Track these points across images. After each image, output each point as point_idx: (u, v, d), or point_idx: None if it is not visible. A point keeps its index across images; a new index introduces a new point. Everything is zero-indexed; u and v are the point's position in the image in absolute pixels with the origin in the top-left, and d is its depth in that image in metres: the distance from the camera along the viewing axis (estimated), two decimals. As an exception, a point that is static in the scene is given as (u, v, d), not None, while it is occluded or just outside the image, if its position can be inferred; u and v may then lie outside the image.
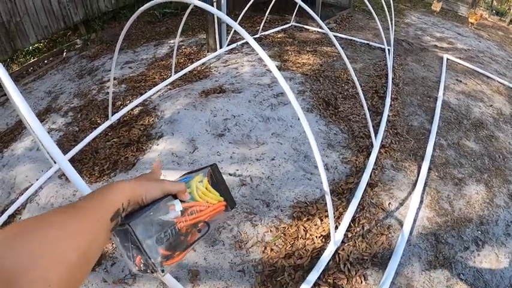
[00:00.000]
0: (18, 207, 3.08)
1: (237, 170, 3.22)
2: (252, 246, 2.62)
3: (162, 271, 0.62)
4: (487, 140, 4.11)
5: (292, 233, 2.71)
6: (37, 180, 3.28)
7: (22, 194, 3.17)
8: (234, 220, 2.78)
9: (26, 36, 5.87)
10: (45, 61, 6.40)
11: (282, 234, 2.70)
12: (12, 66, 6.51)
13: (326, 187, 2.22)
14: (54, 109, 4.58)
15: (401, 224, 2.88)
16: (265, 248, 2.61)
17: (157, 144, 3.53)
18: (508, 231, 3.05)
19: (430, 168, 3.48)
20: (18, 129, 4.25)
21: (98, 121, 4.11)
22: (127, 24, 3.05)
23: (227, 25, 5.59)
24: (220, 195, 0.77)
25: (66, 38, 7.37)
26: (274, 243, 2.64)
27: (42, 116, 4.45)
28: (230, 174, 3.17)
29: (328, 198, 2.25)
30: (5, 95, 5.01)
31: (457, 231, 2.94)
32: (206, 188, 0.75)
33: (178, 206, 0.68)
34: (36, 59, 6.48)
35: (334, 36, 6.38)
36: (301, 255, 2.56)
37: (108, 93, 4.55)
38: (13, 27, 5.58)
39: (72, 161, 3.47)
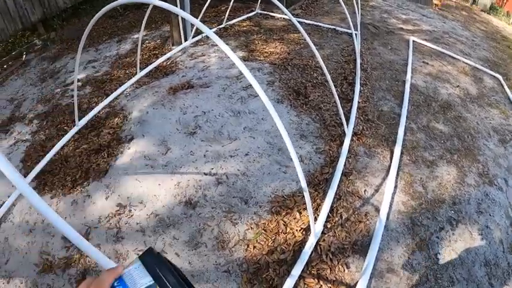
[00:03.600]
0: (-7, 228, 2.90)
1: (212, 168, 3.17)
2: (234, 245, 2.61)
3: None
4: (456, 121, 4.22)
5: (273, 228, 2.71)
6: (8, 197, 3.09)
7: (-5, 214, 2.98)
8: (214, 221, 2.75)
9: (-20, 41, 5.55)
10: (5, 66, 6.07)
11: (263, 231, 2.69)
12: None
13: (303, 183, 2.21)
14: (18, 118, 4.32)
15: (377, 210, 2.94)
16: (248, 245, 2.60)
17: (129, 148, 3.42)
18: (480, 209, 3.17)
19: (402, 153, 3.55)
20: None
21: (65, 127, 3.91)
22: (89, 25, 2.87)
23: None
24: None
25: (24, 39, 7.01)
26: (256, 240, 2.63)
27: (6, 126, 4.18)
28: (205, 174, 3.11)
29: (306, 195, 2.25)
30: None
31: (431, 213, 3.02)
32: None
33: None
34: (-7, 64, 6.13)
35: (300, 22, 6.35)
36: (283, 250, 2.57)
37: (73, 96, 4.37)
38: (-35, 32, 5.24)
39: (42, 172, 3.32)
